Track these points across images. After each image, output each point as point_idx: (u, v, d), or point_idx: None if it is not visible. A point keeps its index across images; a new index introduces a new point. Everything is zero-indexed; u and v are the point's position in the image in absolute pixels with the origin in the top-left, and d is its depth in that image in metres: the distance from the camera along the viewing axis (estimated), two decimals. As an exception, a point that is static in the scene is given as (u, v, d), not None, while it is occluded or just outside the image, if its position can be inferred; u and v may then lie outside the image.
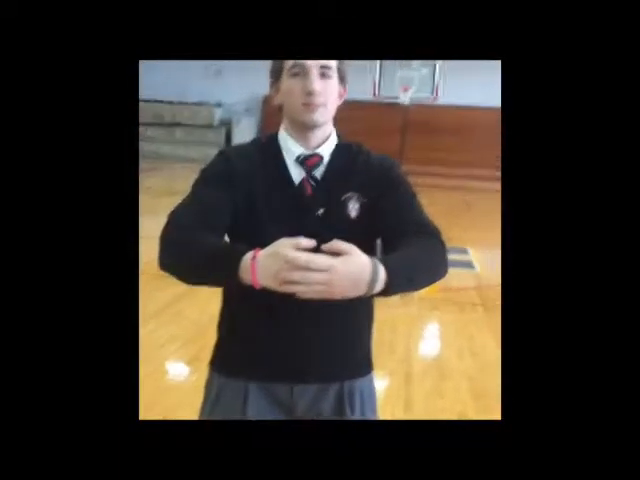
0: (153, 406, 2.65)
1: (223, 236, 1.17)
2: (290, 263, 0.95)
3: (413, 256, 1.08)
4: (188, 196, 1.20)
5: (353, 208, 1.20)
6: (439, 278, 1.14)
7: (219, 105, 14.19)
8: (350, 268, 0.96)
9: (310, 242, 0.98)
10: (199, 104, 13.92)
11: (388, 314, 4.01)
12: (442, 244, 1.15)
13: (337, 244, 0.98)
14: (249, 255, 1.00)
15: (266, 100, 13.87)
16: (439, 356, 3.60)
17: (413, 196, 1.24)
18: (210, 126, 13.90)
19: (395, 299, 4.47)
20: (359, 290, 0.98)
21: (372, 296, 1.03)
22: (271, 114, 14.00)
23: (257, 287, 1.00)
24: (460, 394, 2.99)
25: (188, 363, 3.20)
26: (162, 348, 3.22)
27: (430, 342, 3.92)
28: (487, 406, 2.87)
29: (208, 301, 3.92)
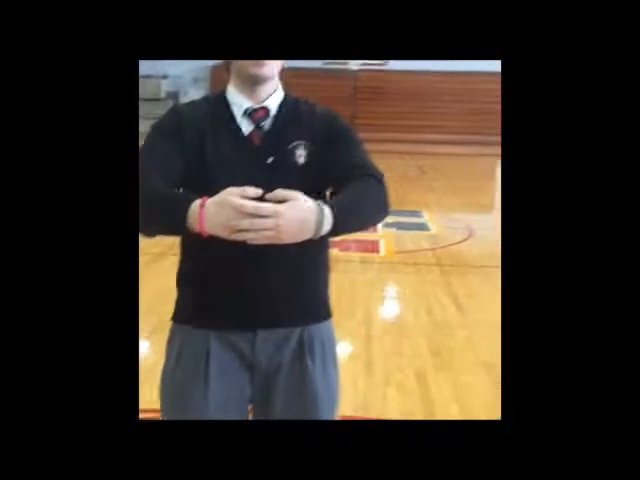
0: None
1: (175, 187, 1.20)
2: (238, 211, 0.99)
3: (357, 196, 1.15)
4: (140, 149, 1.22)
5: (301, 155, 1.24)
6: (382, 218, 1.25)
7: (165, 77, 13.84)
8: (296, 212, 1.02)
9: (256, 190, 1.01)
10: (145, 77, 13.54)
11: (347, 278, 4.05)
12: (384, 186, 1.22)
13: (281, 192, 1.03)
14: (197, 203, 1.04)
15: (214, 70, 13.60)
16: (397, 316, 3.68)
17: (357, 142, 1.29)
18: (157, 99, 13.56)
19: (355, 265, 4.53)
20: (307, 232, 1.04)
21: (321, 238, 1.08)
22: (219, 83, 13.71)
23: (205, 235, 1.04)
24: (418, 351, 3.07)
25: (147, 337, 3.17)
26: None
27: (388, 303, 3.99)
28: (445, 362, 2.96)
29: (163, 275, 3.87)
